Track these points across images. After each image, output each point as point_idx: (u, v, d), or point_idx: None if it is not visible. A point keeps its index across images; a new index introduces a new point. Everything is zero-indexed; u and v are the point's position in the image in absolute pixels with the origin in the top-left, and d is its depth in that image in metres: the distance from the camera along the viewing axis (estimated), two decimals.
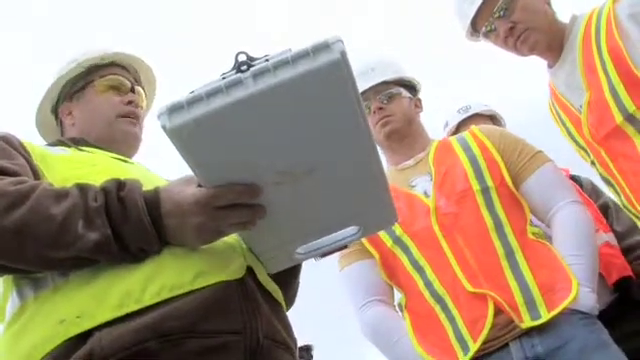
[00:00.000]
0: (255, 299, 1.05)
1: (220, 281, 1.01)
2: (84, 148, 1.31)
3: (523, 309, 1.58)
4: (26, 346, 0.96)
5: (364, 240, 1.79)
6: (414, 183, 1.83)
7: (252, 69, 0.84)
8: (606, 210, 2.19)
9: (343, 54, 0.83)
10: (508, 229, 1.69)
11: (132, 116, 1.41)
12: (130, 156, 1.41)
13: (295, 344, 1.15)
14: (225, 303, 1.00)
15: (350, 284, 1.83)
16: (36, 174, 1.11)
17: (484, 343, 1.57)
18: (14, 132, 1.19)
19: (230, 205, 0.96)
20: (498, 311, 1.59)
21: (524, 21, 1.73)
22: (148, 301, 0.94)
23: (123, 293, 0.95)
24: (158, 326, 0.92)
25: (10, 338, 1.00)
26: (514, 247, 1.67)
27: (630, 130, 1.60)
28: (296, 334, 1.18)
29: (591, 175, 2.06)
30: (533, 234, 1.73)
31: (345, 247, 1.14)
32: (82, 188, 0.99)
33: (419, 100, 2.02)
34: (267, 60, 0.85)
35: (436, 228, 1.71)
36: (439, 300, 1.66)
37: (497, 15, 1.74)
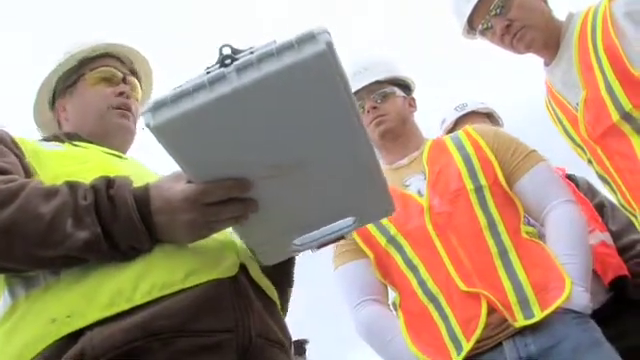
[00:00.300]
0: (248, 297, 1.05)
1: (212, 279, 1.00)
2: (78, 143, 1.30)
3: (516, 308, 1.58)
4: (17, 345, 0.95)
5: (358, 240, 1.80)
6: (408, 182, 1.83)
7: (235, 63, 0.83)
8: (602, 209, 2.19)
9: (329, 45, 0.81)
10: (502, 228, 1.69)
11: (123, 107, 1.38)
12: (124, 150, 1.39)
13: (290, 342, 1.15)
14: (217, 302, 0.99)
15: (345, 283, 1.83)
16: (28, 171, 1.10)
17: (477, 342, 1.57)
18: (14, 132, 1.18)
19: (220, 200, 0.95)
20: (491, 310, 1.58)
21: (520, 19, 1.73)
22: (139, 300, 0.94)
23: (114, 292, 0.94)
24: (149, 325, 0.92)
25: (1, 337, 1.00)
26: (507, 246, 1.67)
27: (626, 128, 1.60)
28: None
29: (588, 174, 2.06)
30: (527, 233, 1.73)
31: (342, 238, 1.13)
32: (72, 186, 0.98)
33: (413, 99, 2.02)
34: (252, 53, 0.83)
35: (430, 227, 1.70)
36: (433, 299, 1.66)
37: (493, 13, 1.74)
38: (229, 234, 1.13)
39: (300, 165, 0.93)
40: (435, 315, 1.65)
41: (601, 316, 1.69)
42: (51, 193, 0.97)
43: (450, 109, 2.75)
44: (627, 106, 1.57)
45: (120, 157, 1.32)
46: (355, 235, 1.78)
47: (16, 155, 1.11)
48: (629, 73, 1.56)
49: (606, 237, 2.06)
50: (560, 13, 1.80)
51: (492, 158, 1.79)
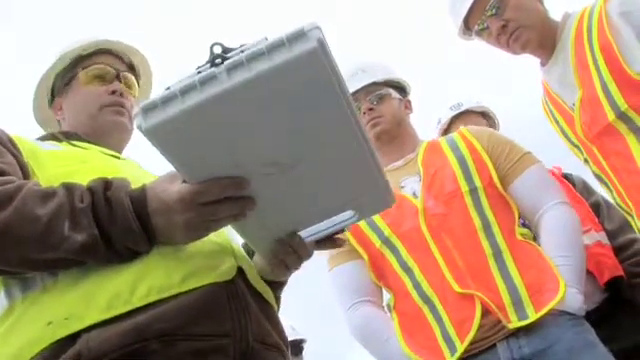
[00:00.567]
0: (245, 300, 1.05)
1: (209, 283, 1.00)
2: (77, 143, 1.30)
3: (510, 309, 1.58)
4: (14, 347, 0.95)
5: (353, 241, 1.80)
6: (403, 184, 1.83)
7: (226, 62, 0.82)
8: (597, 208, 2.19)
9: (321, 42, 0.79)
10: (496, 229, 1.69)
11: (117, 105, 1.37)
12: (121, 148, 1.39)
13: (287, 345, 1.14)
14: (214, 306, 0.99)
15: (339, 284, 1.83)
16: (25, 172, 1.10)
17: (471, 344, 1.57)
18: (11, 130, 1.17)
19: (217, 199, 0.95)
20: (485, 312, 1.59)
21: (516, 19, 1.73)
22: (137, 303, 0.94)
23: (112, 294, 0.94)
24: (146, 329, 0.92)
25: None
26: (502, 247, 1.67)
27: (622, 128, 1.60)
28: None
29: (585, 173, 2.06)
30: (521, 235, 1.73)
31: (343, 231, 1.13)
32: (69, 188, 0.98)
33: (409, 101, 2.02)
34: (242, 51, 0.82)
35: (424, 229, 1.70)
36: (427, 301, 1.66)
37: (489, 13, 1.74)
38: (228, 238, 1.13)
39: (297, 162, 0.93)
40: (429, 317, 1.65)
41: (597, 316, 1.69)
42: (48, 195, 0.96)
43: (445, 109, 2.75)
44: (623, 106, 1.58)
45: (118, 158, 1.31)
46: (349, 236, 1.78)
47: (13, 154, 1.11)
48: (625, 73, 1.57)
49: (602, 237, 2.06)
50: (556, 13, 1.80)
51: (487, 160, 1.79)
